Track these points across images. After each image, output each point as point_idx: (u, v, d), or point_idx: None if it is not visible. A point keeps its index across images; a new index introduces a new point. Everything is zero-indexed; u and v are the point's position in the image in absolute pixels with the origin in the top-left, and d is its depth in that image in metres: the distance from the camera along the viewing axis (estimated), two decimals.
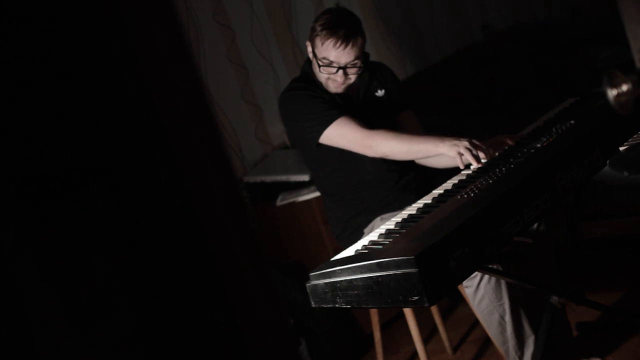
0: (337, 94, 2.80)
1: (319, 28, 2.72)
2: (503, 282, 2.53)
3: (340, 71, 2.72)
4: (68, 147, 0.67)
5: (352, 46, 2.70)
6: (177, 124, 0.73)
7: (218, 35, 3.86)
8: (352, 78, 2.77)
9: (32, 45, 0.66)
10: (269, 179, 3.65)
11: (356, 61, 2.73)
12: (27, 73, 0.66)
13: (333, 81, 2.76)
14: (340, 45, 2.68)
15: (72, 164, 0.68)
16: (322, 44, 2.70)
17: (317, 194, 3.38)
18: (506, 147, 2.53)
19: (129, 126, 0.70)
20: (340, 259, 2.10)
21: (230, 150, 3.83)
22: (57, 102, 0.67)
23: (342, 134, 2.70)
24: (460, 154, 2.46)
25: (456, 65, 4.71)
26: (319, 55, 2.73)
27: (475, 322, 3.26)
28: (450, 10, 5.00)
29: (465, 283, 2.55)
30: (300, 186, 3.59)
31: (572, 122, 2.49)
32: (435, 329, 3.35)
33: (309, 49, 2.80)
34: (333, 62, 2.71)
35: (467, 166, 2.51)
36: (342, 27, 2.69)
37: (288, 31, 4.15)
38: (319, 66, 2.73)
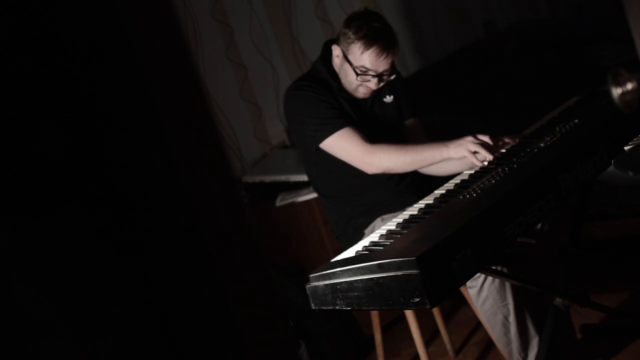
0: (345, 100, 2.76)
1: (354, 35, 2.66)
2: (507, 282, 2.50)
3: (376, 79, 2.69)
4: (67, 149, 0.67)
5: (392, 55, 2.68)
6: (176, 124, 0.73)
7: (216, 33, 3.83)
8: (383, 83, 2.75)
9: (33, 47, 0.66)
10: (268, 179, 3.63)
11: (392, 69, 2.71)
12: (27, 75, 0.66)
13: (365, 87, 2.72)
14: (382, 55, 2.64)
15: (70, 166, 0.67)
16: (362, 53, 2.65)
17: None
18: (503, 150, 2.50)
19: (127, 126, 0.70)
20: (341, 260, 2.08)
21: (229, 150, 3.80)
22: (56, 104, 0.67)
23: (343, 147, 2.68)
24: (472, 152, 2.43)
25: (458, 63, 4.68)
26: (356, 63, 2.68)
27: (478, 325, 3.23)
28: (452, 7, 4.97)
29: (468, 283, 2.53)
30: (299, 186, 3.56)
31: (576, 121, 2.46)
32: (437, 331, 3.32)
33: (336, 52, 2.74)
34: (370, 70, 2.67)
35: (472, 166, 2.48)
36: (382, 35, 2.64)
37: (287, 29, 4.12)
38: (357, 74, 2.68)
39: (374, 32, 2.64)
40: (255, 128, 3.93)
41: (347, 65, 2.70)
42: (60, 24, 0.67)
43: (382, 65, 2.67)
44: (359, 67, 2.67)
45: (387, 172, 2.68)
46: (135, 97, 0.70)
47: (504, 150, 2.49)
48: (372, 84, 2.70)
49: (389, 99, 2.85)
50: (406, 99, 2.90)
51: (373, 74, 2.67)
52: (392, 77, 2.74)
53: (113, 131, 0.69)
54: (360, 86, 2.72)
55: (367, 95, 2.76)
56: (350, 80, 2.73)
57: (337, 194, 2.86)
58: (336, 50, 2.75)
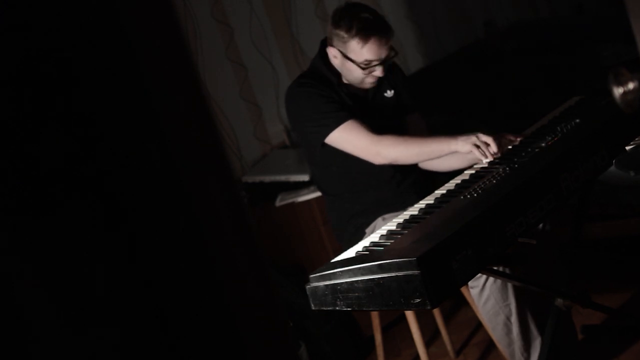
0: (347, 95, 2.76)
1: (347, 34, 2.66)
2: (509, 283, 2.50)
3: (381, 65, 2.71)
4: (67, 148, 0.67)
5: (391, 38, 2.71)
6: (176, 124, 0.72)
7: (216, 33, 3.82)
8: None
9: (32, 47, 0.66)
10: (268, 179, 3.62)
11: (391, 50, 2.73)
12: (26, 75, 0.66)
13: (372, 77, 2.73)
14: (381, 42, 2.67)
15: (70, 167, 0.67)
16: (361, 47, 2.66)
17: (317, 194, 3.35)
18: (509, 146, 2.49)
19: (127, 126, 0.70)
20: (341, 260, 2.08)
21: (229, 150, 3.79)
22: (55, 104, 0.67)
23: (348, 139, 2.67)
24: (478, 147, 2.43)
25: (458, 63, 4.67)
26: (359, 59, 2.68)
27: (479, 325, 3.22)
28: (452, 7, 4.96)
29: (470, 283, 2.52)
30: (299, 186, 3.56)
31: (577, 120, 2.45)
32: (437, 332, 3.32)
33: (333, 53, 2.74)
34: (374, 60, 2.68)
35: (472, 165, 2.48)
36: (375, 24, 2.66)
37: (287, 29, 4.11)
38: (363, 69, 2.69)
39: (366, 24, 2.65)
40: (255, 128, 3.93)
41: (349, 63, 2.70)
42: (60, 24, 0.66)
43: (384, 51, 2.69)
44: (363, 62, 2.68)
45: (394, 163, 2.66)
46: (135, 97, 0.70)
47: (505, 149, 2.49)
48: (379, 71, 2.71)
49: (389, 93, 2.86)
50: (407, 94, 2.91)
51: (377, 62, 2.69)
52: (394, 55, 2.75)
53: (113, 131, 0.69)
54: (366, 77, 2.73)
55: (375, 84, 2.77)
56: (356, 76, 2.73)
57: (338, 192, 2.86)
58: (332, 52, 2.74)
